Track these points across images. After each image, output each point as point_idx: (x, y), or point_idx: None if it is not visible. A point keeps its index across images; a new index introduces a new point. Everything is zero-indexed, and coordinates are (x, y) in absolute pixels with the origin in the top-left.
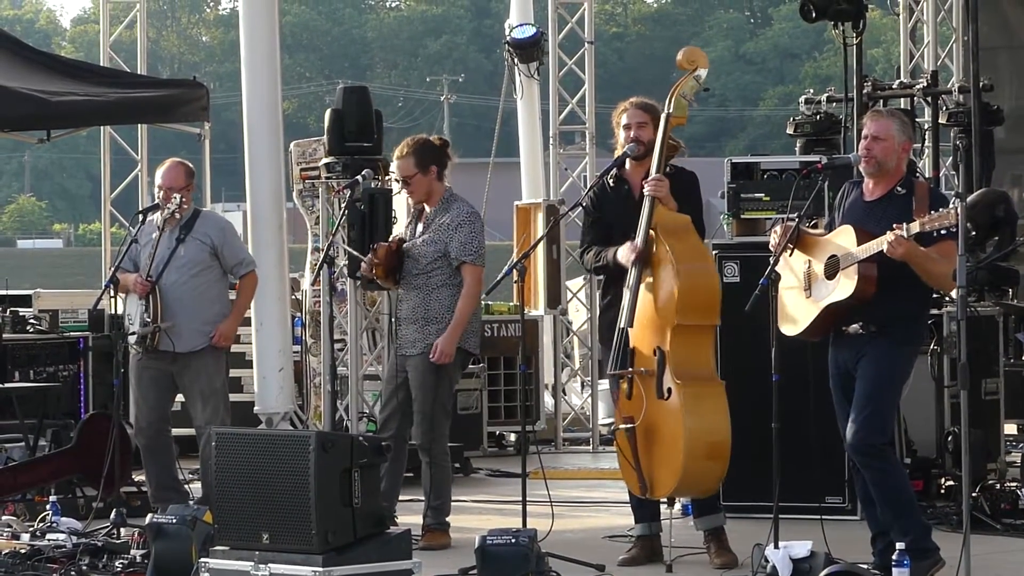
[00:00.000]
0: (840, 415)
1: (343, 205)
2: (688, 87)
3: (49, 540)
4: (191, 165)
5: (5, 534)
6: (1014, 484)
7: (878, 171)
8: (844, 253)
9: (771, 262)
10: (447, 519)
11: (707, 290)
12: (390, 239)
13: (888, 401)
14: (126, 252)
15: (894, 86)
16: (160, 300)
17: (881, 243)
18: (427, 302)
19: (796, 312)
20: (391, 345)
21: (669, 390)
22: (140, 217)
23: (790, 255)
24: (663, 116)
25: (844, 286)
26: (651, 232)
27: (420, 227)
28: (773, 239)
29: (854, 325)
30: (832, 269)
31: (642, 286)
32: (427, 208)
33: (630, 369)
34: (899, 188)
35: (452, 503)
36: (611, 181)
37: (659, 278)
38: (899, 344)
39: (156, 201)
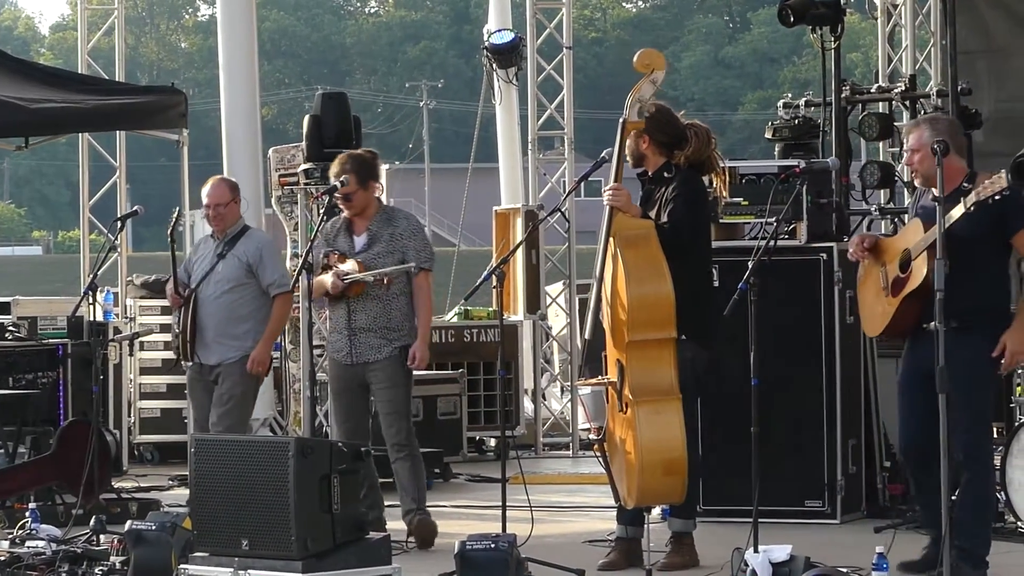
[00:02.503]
0: (908, 415)
1: (322, 211)
2: (645, 91)
3: (29, 547)
4: (235, 180)
5: None
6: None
7: (926, 181)
8: (915, 243)
9: (749, 266)
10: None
11: (657, 305)
12: (325, 254)
13: (985, 400)
14: (181, 265)
15: (872, 90)
16: (195, 313)
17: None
18: (388, 311)
19: (877, 311)
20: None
21: (627, 404)
22: (119, 224)
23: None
24: (620, 122)
25: (917, 274)
26: (610, 241)
27: (362, 239)
28: (851, 248)
29: (934, 322)
30: (905, 262)
31: (604, 298)
32: (360, 221)
33: (600, 378)
34: (965, 184)
35: (432, 508)
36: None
37: (615, 293)
38: (982, 339)
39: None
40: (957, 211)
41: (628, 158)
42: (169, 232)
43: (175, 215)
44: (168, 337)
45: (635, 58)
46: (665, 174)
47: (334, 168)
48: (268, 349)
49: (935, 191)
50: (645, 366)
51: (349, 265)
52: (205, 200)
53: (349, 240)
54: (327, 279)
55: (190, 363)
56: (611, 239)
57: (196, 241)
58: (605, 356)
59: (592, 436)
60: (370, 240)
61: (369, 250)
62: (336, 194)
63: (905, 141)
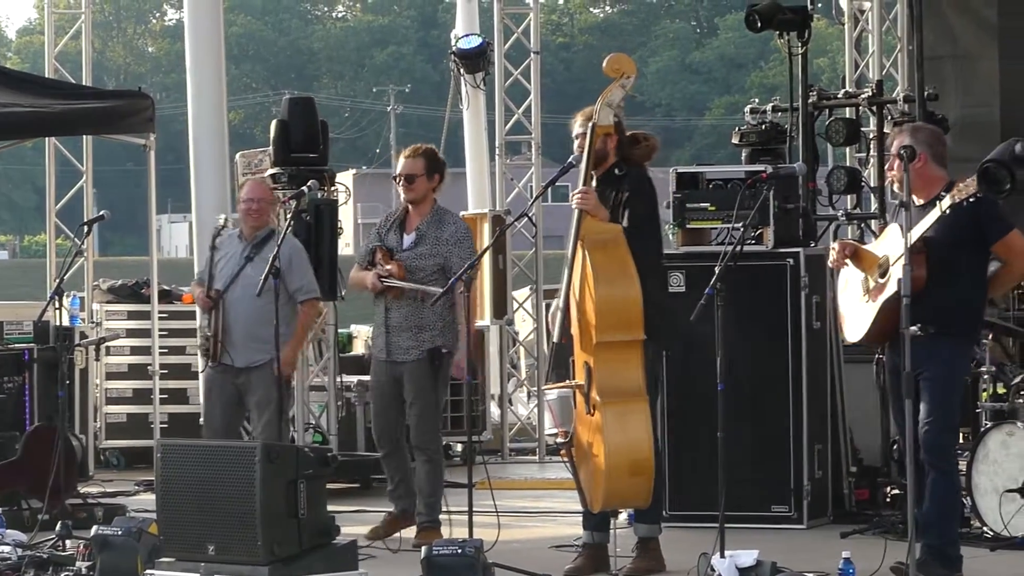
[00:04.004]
0: (896, 417)
1: (289, 216)
2: (615, 95)
3: None
4: (270, 182)
5: None
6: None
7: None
8: (894, 250)
9: (716, 271)
10: (439, 517)
11: (625, 307)
12: (373, 248)
13: (956, 402)
14: (207, 266)
15: (840, 95)
16: (224, 315)
17: (923, 225)
18: (420, 311)
19: (858, 317)
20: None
21: (594, 406)
22: (85, 228)
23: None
24: (589, 126)
25: (895, 280)
26: (578, 244)
27: (410, 237)
28: (832, 256)
29: (912, 328)
30: (884, 268)
31: (572, 301)
32: (414, 217)
33: (568, 382)
34: (943, 192)
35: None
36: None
37: (583, 295)
38: (959, 342)
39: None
40: (933, 215)
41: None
42: (212, 239)
43: (222, 221)
44: (135, 342)
45: (605, 62)
46: (616, 171)
47: (406, 152)
48: (295, 351)
49: (915, 198)
50: (613, 368)
51: (392, 267)
52: (244, 195)
53: (399, 236)
54: (368, 277)
55: (214, 365)
56: (579, 242)
57: (218, 241)
58: (573, 361)
59: (559, 440)
60: (417, 239)
61: (414, 249)
62: (399, 179)
63: (889, 147)
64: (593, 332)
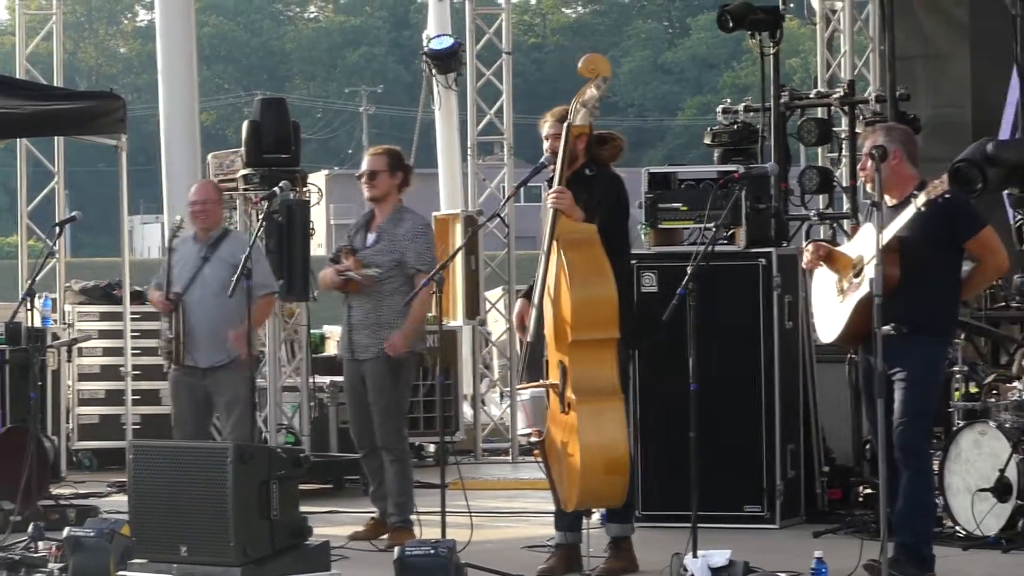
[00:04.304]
0: (869, 416)
1: (261, 216)
2: (590, 95)
3: None
4: (218, 184)
5: None
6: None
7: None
8: (867, 250)
9: (688, 271)
10: (411, 516)
11: (601, 305)
12: (339, 249)
13: (931, 402)
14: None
15: (811, 95)
16: (184, 317)
17: (898, 223)
18: (379, 308)
19: (831, 317)
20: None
21: (569, 405)
22: (57, 229)
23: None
24: (564, 126)
25: (868, 280)
26: (553, 244)
27: (372, 236)
28: (806, 257)
29: (886, 327)
30: (858, 268)
31: (547, 300)
32: (378, 216)
33: (541, 382)
34: (915, 191)
35: (367, 514)
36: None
37: (559, 294)
38: (933, 343)
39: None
40: (908, 212)
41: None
42: (169, 241)
43: (178, 223)
44: (107, 343)
45: (580, 63)
46: (586, 172)
47: (370, 150)
48: (245, 332)
49: (887, 198)
50: (588, 366)
51: (348, 261)
52: (192, 198)
53: (364, 237)
54: (327, 272)
55: (178, 367)
56: (555, 242)
57: (175, 243)
58: (547, 361)
59: (533, 439)
60: (377, 238)
61: (373, 247)
62: (362, 177)
63: (861, 147)
64: (568, 331)
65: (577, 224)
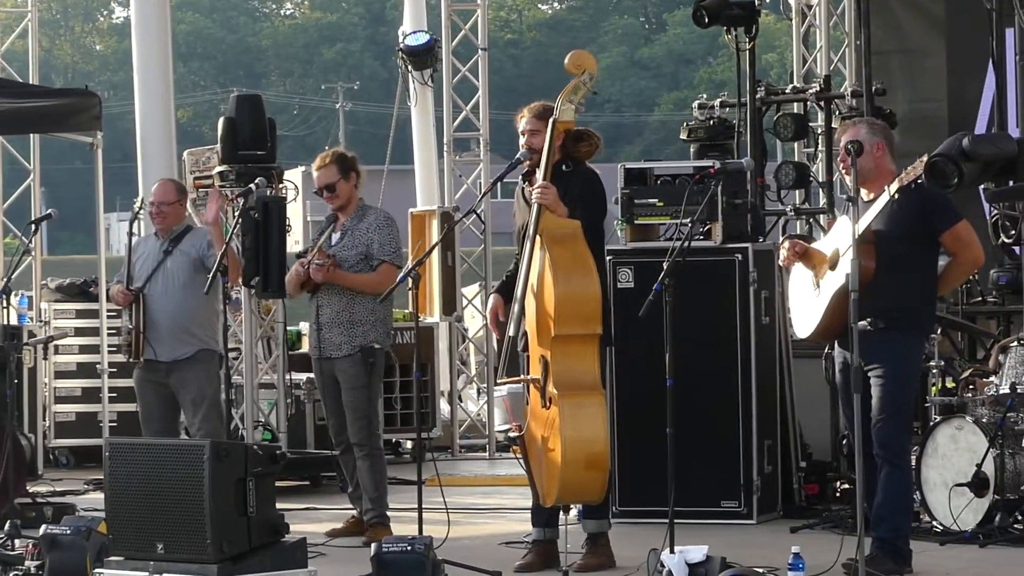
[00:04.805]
0: (846, 411)
1: (237, 213)
2: (576, 91)
3: None
4: (183, 183)
5: None
6: None
7: (860, 177)
8: (843, 243)
9: (665, 267)
10: (387, 512)
11: (585, 300)
12: (312, 250)
13: (910, 397)
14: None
15: (787, 91)
16: (144, 310)
17: (872, 213)
18: (351, 306)
19: (808, 312)
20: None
21: (550, 399)
22: (33, 227)
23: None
24: (550, 122)
25: (844, 273)
26: (537, 239)
27: (337, 236)
28: (782, 255)
29: (862, 322)
30: (834, 261)
31: (529, 295)
32: (341, 218)
33: (521, 377)
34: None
35: (344, 511)
36: (523, 185)
37: (542, 288)
38: (910, 337)
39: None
40: (881, 200)
41: (538, 155)
42: (129, 227)
43: (137, 205)
44: (83, 340)
45: (567, 59)
46: (563, 168)
47: (316, 163)
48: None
49: (864, 193)
50: (570, 361)
51: (319, 258)
52: (151, 198)
53: (328, 237)
54: (290, 273)
55: (139, 362)
56: (538, 237)
57: (134, 242)
58: (527, 356)
59: (513, 434)
60: (342, 236)
61: (339, 244)
62: (320, 192)
63: (838, 140)
64: (552, 325)
65: (562, 220)
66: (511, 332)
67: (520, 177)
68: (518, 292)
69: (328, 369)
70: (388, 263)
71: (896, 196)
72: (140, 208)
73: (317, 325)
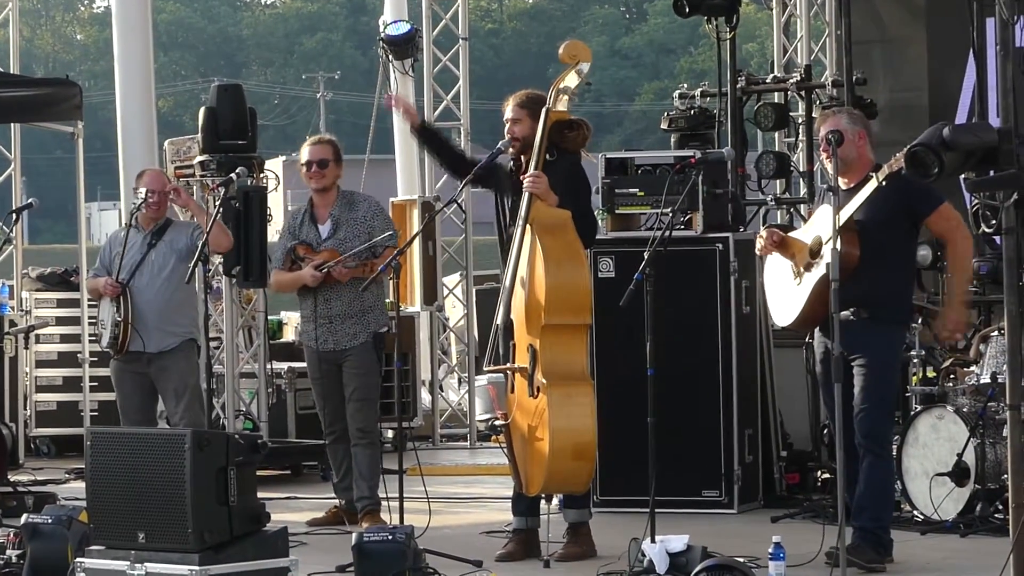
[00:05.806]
0: (827, 401)
1: (218, 203)
2: (570, 81)
3: None
4: (166, 173)
5: None
6: None
7: (842, 166)
8: (825, 230)
9: (645, 257)
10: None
11: (575, 290)
12: (292, 247)
13: (893, 387)
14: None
15: (768, 80)
16: (131, 302)
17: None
18: (361, 296)
19: (787, 300)
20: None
21: (539, 388)
22: (14, 216)
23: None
24: (543, 111)
25: (826, 263)
26: (527, 228)
27: (326, 227)
28: (759, 243)
29: (844, 312)
30: (816, 248)
31: (517, 284)
32: (321, 207)
33: (507, 366)
34: (871, 174)
35: (325, 501)
36: (512, 167)
37: (532, 277)
38: (892, 327)
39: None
40: (868, 187)
41: (519, 143)
42: (129, 219)
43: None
44: (64, 330)
45: (561, 49)
46: (547, 157)
47: (311, 140)
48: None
49: (843, 182)
50: (559, 351)
51: (324, 255)
52: (147, 186)
53: (314, 229)
54: (306, 273)
55: (121, 355)
56: (528, 226)
57: (111, 234)
58: (513, 345)
59: (499, 423)
60: (334, 226)
61: (335, 236)
62: (311, 166)
63: (818, 130)
64: (541, 314)
65: (552, 209)
66: (499, 319)
67: (508, 162)
68: (506, 281)
69: (335, 360)
70: (392, 248)
71: (884, 183)
72: (144, 200)
73: (327, 319)
